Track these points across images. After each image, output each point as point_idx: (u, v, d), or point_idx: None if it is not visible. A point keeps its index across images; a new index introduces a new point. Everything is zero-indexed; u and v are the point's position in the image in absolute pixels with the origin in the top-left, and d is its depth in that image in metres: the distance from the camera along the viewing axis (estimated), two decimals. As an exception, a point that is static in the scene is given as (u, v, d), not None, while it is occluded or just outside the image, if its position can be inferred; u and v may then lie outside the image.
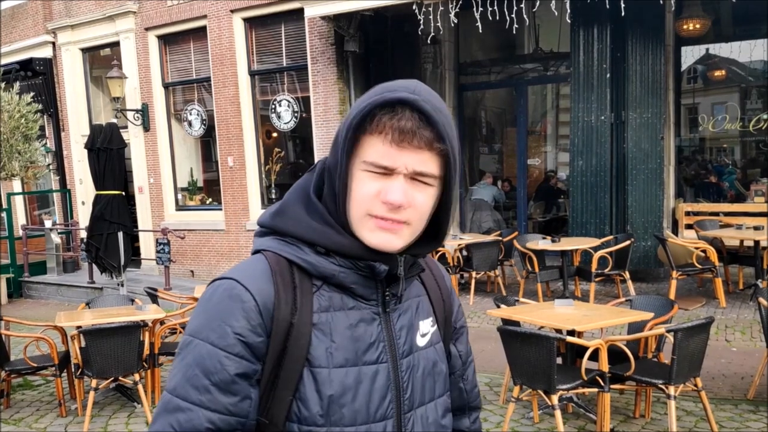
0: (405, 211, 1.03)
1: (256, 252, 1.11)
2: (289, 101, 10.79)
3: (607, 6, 7.27)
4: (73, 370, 5.70)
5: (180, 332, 6.15)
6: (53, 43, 13.17)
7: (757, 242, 7.30)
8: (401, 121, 0.99)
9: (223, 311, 1.02)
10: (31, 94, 9.54)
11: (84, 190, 12.89)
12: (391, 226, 1.04)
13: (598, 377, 4.32)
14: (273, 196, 11.14)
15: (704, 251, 7.25)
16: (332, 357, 1.04)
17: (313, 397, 1.02)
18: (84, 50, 13.01)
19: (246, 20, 10.98)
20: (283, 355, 1.02)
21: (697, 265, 7.19)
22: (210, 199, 12.27)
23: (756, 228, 7.52)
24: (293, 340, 1.02)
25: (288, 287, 1.04)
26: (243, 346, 1.00)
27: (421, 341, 1.14)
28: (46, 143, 13.43)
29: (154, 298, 6.75)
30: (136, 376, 5.39)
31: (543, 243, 7.86)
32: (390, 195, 1.02)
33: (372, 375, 1.06)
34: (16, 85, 10.03)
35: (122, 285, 9.79)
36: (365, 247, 1.05)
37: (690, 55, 9.88)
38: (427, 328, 1.17)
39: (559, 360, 4.55)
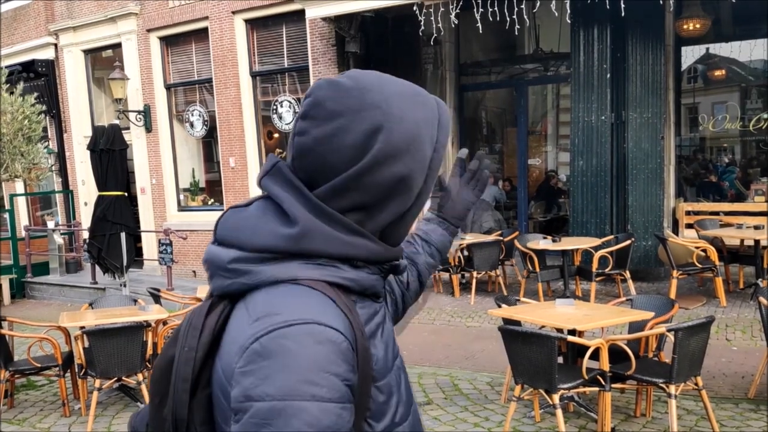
0: None
1: (275, 282, 0.94)
2: (290, 102, 10.82)
3: (607, 6, 7.29)
4: (76, 370, 5.72)
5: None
6: (55, 45, 13.21)
7: (757, 241, 7.32)
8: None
9: (318, 360, 0.87)
10: (35, 95, 9.56)
11: (86, 191, 12.93)
12: None
13: (599, 376, 4.34)
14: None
15: (704, 250, 7.27)
16: (386, 365, 1.01)
17: (383, 409, 0.99)
18: (86, 52, 13.06)
19: (247, 21, 11.01)
20: (363, 384, 0.94)
21: (697, 264, 7.21)
22: (212, 200, 12.31)
23: (756, 227, 7.53)
24: (367, 364, 0.94)
25: (350, 312, 0.94)
26: (350, 392, 0.90)
27: None
28: (48, 145, 13.46)
29: (156, 299, 6.77)
30: (140, 376, 5.42)
31: (544, 243, 7.89)
32: None
33: (400, 366, 1.07)
34: (20, 86, 10.05)
35: (125, 285, 9.82)
36: (390, 249, 1.03)
37: (690, 54, 9.90)
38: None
39: (560, 359, 4.57)
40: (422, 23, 8.28)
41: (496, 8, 7.67)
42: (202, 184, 12.57)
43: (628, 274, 7.77)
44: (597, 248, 7.68)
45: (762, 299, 4.95)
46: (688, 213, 9.02)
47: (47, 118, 13.10)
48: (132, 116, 12.02)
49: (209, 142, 12.33)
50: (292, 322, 0.88)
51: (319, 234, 0.95)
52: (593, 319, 4.71)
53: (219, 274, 0.98)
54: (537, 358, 4.30)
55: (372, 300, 1.03)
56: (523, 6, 7.63)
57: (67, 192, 13.66)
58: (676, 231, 8.86)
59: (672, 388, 4.25)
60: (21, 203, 14.67)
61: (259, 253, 0.95)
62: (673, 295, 6.94)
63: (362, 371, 0.92)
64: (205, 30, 11.35)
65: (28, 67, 13.10)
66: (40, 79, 13.22)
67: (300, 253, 0.95)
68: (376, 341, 1.00)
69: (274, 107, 10.98)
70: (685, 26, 8.87)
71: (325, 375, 0.86)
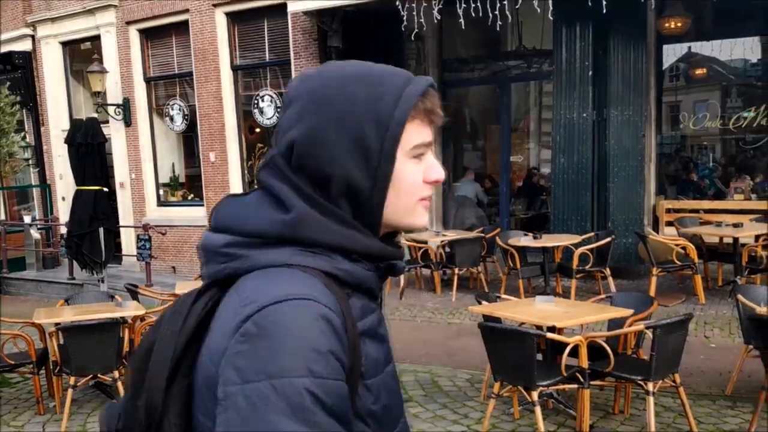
0: None
1: (267, 267, 0.93)
2: (272, 96, 10.73)
3: (589, 4, 7.29)
4: (51, 367, 5.63)
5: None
6: (33, 37, 12.99)
7: (736, 239, 7.37)
8: (434, 99, 1.01)
9: (315, 336, 0.85)
10: (7, 84, 9.43)
11: (64, 186, 12.75)
12: (429, 202, 1.05)
13: (577, 373, 4.34)
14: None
15: (684, 248, 7.31)
16: (377, 364, 0.97)
17: (370, 410, 0.95)
18: (64, 44, 12.86)
19: (228, 15, 10.90)
20: (351, 373, 0.90)
21: (676, 262, 7.25)
22: (192, 195, 12.19)
23: (735, 225, 7.59)
24: (356, 355, 0.91)
25: (342, 300, 0.92)
26: (342, 371, 0.88)
27: None
28: (24, 137, 13.28)
29: (134, 295, 6.70)
30: (116, 374, 5.34)
31: (525, 240, 7.90)
32: (438, 172, 1.03)
33: (393, 370, 1.04)
34: None
35: (103, 281, 9.71)
36: (386, 247, 1.02)
37: (672, 53, 9.95)
38: None
39: (539, 356, 4.57)
40: (405, 18, 8.24)
41: (478, 4, 7.65)
42: (182, 179, 12.45)
43: (608, 272, 7.79)
44: (577, 245, 7.70)
45: (740, 297, 4.97)
46: (668, 211, 9.08)
47: (24, 111, 12.91)
48: (111, 110, 11.86)
49: (190, 137, 12.20)
50: (285, 297, 0.87)
51: (315, 222, 0.94)
52: (573, 316, 4.71)
53: (213, 258, 0.97)
54: (516, 355, 4.29)
55: (368, 297, 1.00)
56: (505, 2, 7.61)
57: (44, 186, 13.46)
58: (656, 228, 8.90)
59: (650, 386, 4.25)
60: (-3, 197, 14.46)
61: (253, 237, 0.94)
62: (652, 293, 6.98)
63: (350, 360, 0.89)
64: (185, 23, 11.22)
65: (5, 59, 12.89)
66: (17, 71, 13.01)
67: (294, 240, 0.94)
68: (368, 340, 0.97)
69: (256, 102, 10.89)
70: (666, 24, 8.90)
71: (322, 352, 0.85)
